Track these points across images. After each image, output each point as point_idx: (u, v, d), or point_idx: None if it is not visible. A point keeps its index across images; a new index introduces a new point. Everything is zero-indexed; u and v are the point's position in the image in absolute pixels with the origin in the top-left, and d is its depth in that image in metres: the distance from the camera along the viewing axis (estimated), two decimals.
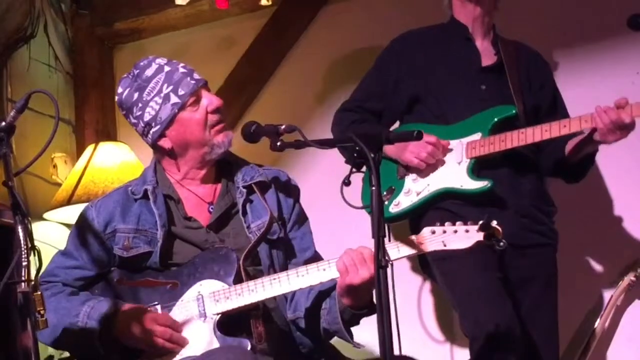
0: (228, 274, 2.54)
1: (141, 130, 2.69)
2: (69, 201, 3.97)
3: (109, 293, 2.61)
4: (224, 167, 2.76)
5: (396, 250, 2.46)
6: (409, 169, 3.26)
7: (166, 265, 2.61)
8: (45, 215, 4.10)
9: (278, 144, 2.49)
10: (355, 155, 2.33)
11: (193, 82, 2.64)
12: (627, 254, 3.62)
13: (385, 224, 3.31)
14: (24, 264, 2.05)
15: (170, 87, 2.62)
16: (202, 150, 2.66)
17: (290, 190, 2.78)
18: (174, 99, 2.61)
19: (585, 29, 3.82)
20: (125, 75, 2.73)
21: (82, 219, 2.71)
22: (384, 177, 3.22)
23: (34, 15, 4.30)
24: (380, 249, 2.16)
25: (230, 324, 2.54)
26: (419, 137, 2.38)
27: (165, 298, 2.57)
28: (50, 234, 4.13)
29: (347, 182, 2.32)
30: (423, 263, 3.39)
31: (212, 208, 2.68)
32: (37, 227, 3.95)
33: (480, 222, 2.42)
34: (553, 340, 3.22)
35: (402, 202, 3.25)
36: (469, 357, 3.06)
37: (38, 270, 2.11)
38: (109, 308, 2.52)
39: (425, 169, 3.21)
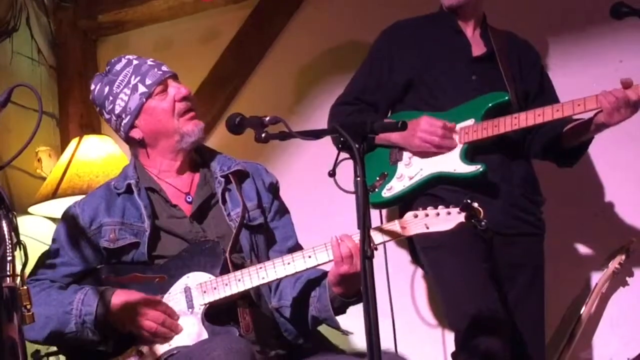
0: (215, 266, 2.57)
1: (114, 125, 2.76)
2: (54, 195, 3.95)
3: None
4: (200, 159, 2.80)
5: (380, 235, 2.47)
6: (401, 153, 3.26)
7: (152, 258, 2.63)
8: (30, 209, 4.08)
9: (263, 135, 2.49)
10: (340, 146, 2.33)
11: (160, 72, 2.72)
12: (612, 241, 3.63)
13: (378, 210, 3.37)
14: (9, 258, 2.05)
15: (138, 78, 2.70)
16: (172, 139, 2.71)
17: (270, 181, 2.83)
18: (141, 88, 2.69)
19: (568, 18, 3.82)
20: (97, 74, 2.84)
21: (67, 216, 2.73)
22: (376, 162, 3.27)
23: (16, 8, 4.26)
24: (365, 240, 2.16)
25: (217, 314, 2.55)
26: (403, 127, 2.39)
27: (154, 292, 2.57)
28: (36, 228, 4.11)
29: (332, 174, 2.32)
30: (414, 254, 3.41)
31: (189, 198, 2.71)
32: (22, 221, 3.91)
33: (462, 203, 2.44)
34: (539, 331, 3.23)
35: (395, 186, 3.25)
36: None
37: (24, 264, 2.11)
38: (102, 293, 2.52)
39: (422, 154, 3.20)
